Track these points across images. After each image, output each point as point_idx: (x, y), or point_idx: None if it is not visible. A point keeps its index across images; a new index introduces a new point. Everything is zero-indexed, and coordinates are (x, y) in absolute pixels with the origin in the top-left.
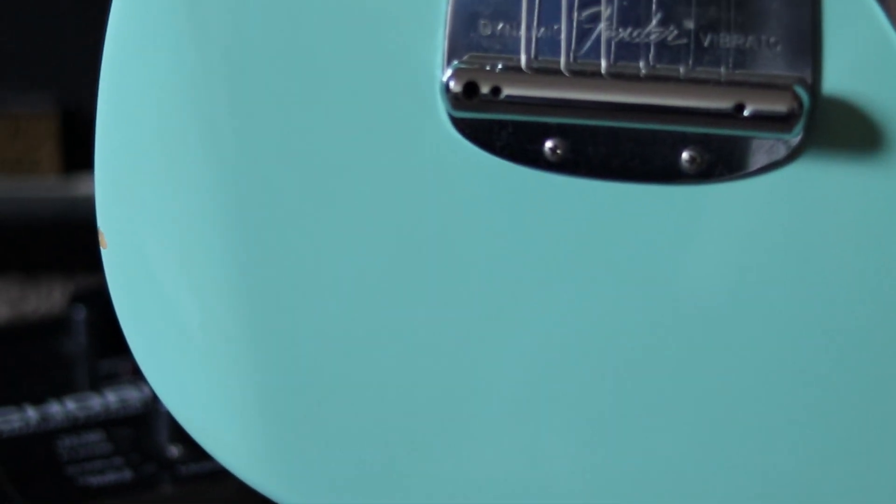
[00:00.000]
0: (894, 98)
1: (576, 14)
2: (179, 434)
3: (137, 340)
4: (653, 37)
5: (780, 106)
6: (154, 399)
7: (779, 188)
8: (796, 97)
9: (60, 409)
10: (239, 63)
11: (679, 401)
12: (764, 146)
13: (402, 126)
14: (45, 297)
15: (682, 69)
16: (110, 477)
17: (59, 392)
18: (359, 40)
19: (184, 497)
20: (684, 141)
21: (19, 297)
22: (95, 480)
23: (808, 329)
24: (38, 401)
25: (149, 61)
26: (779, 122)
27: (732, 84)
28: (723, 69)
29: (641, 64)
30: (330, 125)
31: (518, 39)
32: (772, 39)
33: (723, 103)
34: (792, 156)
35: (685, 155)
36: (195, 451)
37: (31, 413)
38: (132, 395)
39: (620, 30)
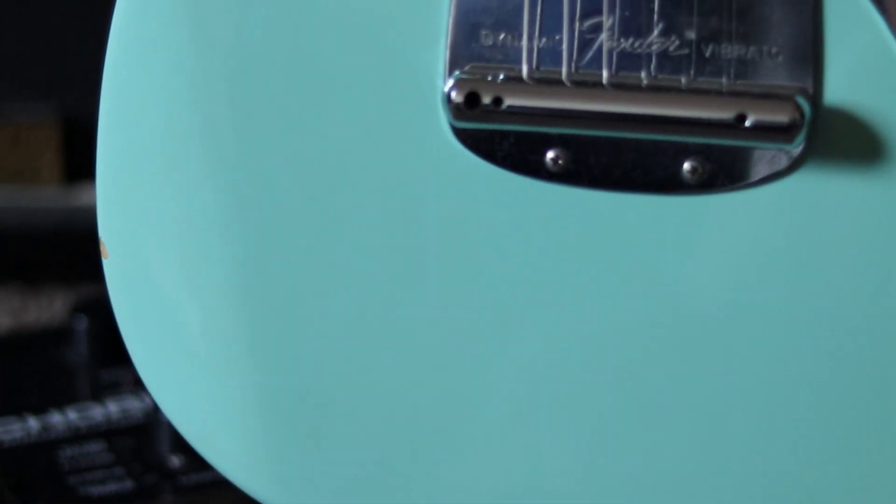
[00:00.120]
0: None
1: (577, 24)
2: (180, 444)
3: (138, 350)
4: (654, 47)
5: (781, 116)
6: (155, 409)
7: (780, 198)
8: (798, 107)
9: (62, 418)
10: (241, 73)
11: (681, 409)
12: (765, 156)
13: (404, 136)
14: (47, 307)
15: (683, 79)
16: (111, 487)
17: (61, 402)
18: (361, 50)
19: None
20: (686, 151)
21: (20, 307)
22: (96, 490)
23: (809, 338)
24: (39, 410)
25: (150, 71)
26: (780, 133)
27: (734, 94)
28: (724, 79)
29: (643, 74)
30: (332, 134)
31: (520, 50)
32: (773, 50)
33: (724, 114)
34: (793, 166)
35: (687, 165)
36: (196, 461)
37: (33, 423)
38: (133, 405)
39: (622, 40)
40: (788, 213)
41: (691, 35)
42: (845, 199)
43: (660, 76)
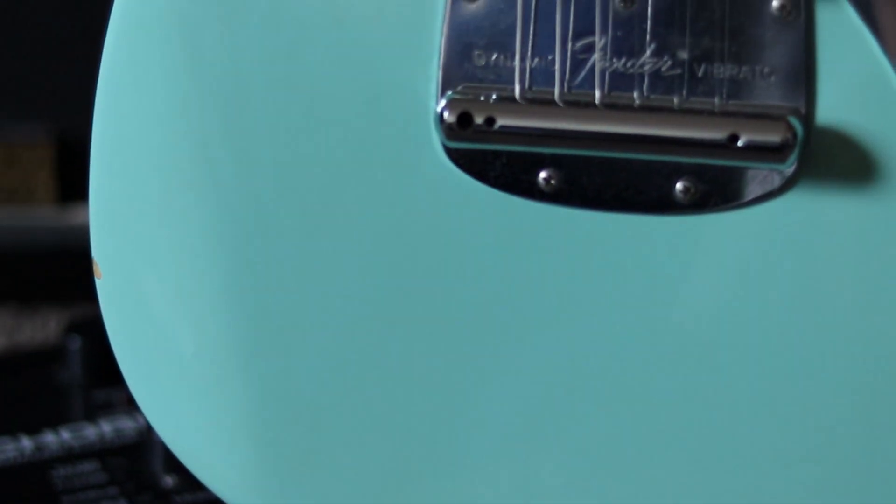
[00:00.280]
0: (888, 128)
1: (570, 45)
2: (174, 464)
3: (131, 370)
4: (647, 67)
5: (773, 136)
6: (149, 429)
7: (773, 218)
8: (790, 128)
9: (55, 438)
10: (234, 94)
11: (675, 428)
12: (758, 176)
13: (397, 156)
14: (41, 327)
15: (676, 100)
16: None
17: (54, 422)
18: (353, 70)
19: None
20: (678, 171)
21: (14, 327)
22: None
23: (803, 357)
24: (32, 430)
25: (143, 91)
26: (773, 153)
27: (726, 114)
28: (717, 100)
29: (635, 94)
30: (324, 155)
31: (512, 70)
32: (766, 70)
33: (717, 134)
34: (786, 186)
35: (679, 185)
36: (190, 480)
37: (26, 443)
38: (127, 424)
39: (614, 60)
40: (781, 233)
41: (684, 55)
42: (838, 218)
43: (652, 96)
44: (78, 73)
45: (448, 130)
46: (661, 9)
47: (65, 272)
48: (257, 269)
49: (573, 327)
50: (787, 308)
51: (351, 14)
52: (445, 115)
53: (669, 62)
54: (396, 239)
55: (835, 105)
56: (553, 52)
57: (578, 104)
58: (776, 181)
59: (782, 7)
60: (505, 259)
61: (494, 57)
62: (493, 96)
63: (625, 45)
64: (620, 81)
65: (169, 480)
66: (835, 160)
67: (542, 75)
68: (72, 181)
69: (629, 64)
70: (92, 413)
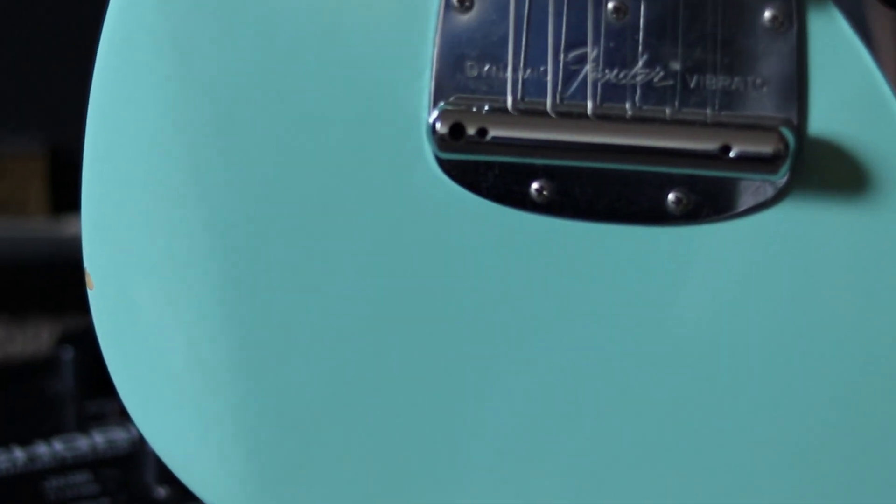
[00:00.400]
0: (880, 139)
1: (562, 56)
2: (166, 475)
3: (124, 381)
4: (639, 78)
5: (765, 147)
6: (141, 440)
7: (765, 229)
8: (782, 138)
9: (48, 449)
10: (226, 105)
11: (670, 440)
12: (750, 187)
13: (389, 167)
14: (33, 338)
15: (668, 110)
16: None
17: (47, 433)
18: (345, 81)
19: None
20: (670, 182)
21: (6, 338)
22: None
23: (797, 368)
24: (25, 442)
25: (135, 102)
26: (765, 164)
27: (718, 125)
28: (709, 110)
29: (628, 105)
30: (316, 166)
31: (504, 81)
32: (758, 81)
33: (709, 145)
34: (778, 197)
35: (671, 196)
36: (182, 491)
37: (19, 454)
38: (119, 435)
39: (607, 71)
40: (773, 244)
41: (676, 66)
42: (830, 229)
43: (644, 107)
44: (71, 84)
45: (440, 141)
46: (653, 20)
47: (57, 283)
48: (249, 280)
49: (566, 339)
50: (781, 319)
51: (343, 25)
52: (437, 126)
53: (662, 73)
54: (389, 250)
55: (827, 116)
56: (545, 63)
57: (571, 115)
58: (768, 192)
59: (774, 18)
60: (498, 270)
61: (487, 68)
62: (486, 107)
63: (617, 56)
64: (613, 92)
65: (161, 491)
66: (827, 171)
67: (534, 86)
68: (64, 192)
69: (621, 75)
70: (84, 424)
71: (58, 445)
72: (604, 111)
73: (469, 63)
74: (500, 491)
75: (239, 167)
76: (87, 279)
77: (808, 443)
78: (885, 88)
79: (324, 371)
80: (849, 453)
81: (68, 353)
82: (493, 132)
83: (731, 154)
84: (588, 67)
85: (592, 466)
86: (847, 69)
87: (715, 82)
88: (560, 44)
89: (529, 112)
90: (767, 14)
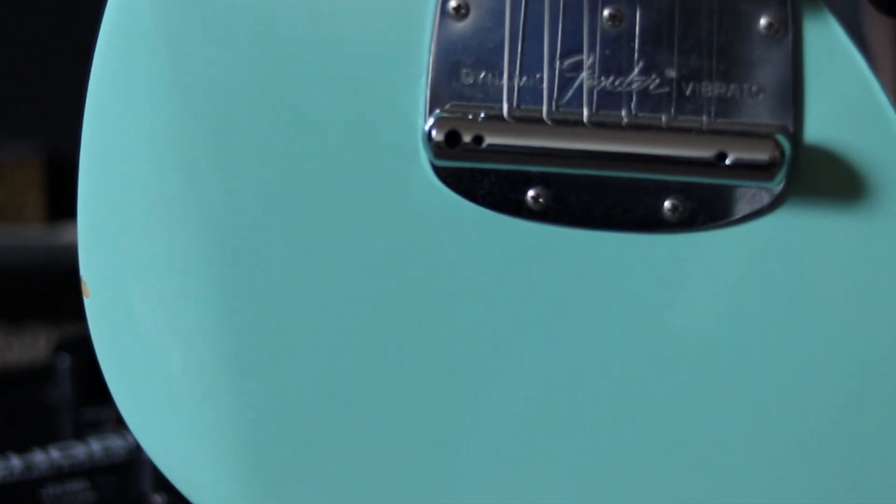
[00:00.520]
0: (876, 145)
1: (558, 63)
2: (163, 483)
3: (120, 389)
4: (635, 85)
5: (761, 154)
6: (138, 447)
7: (762, 236)
8: (778, 146)
9: (44, 457)
10: (222, 112)
11: (667, 446)
12: (746, 194)
13: (385, 174)
14: (30, 346)
15: (664, 118)
16: None
17: (44, 440)
18: (341, 88)
19: None
20: (666, 190)
21: (3, 346)
22: None
23: (794, 377)
24: (22, 449)
25: (131, 109)
26: (761, 171)
27: (714, 133)
28: (705, 118)
29: (623, 113)
30: (312, 173)
31: (500, 88)
32: (753, 88)
33: (705, 152)
34: (774, 204)
35: (667, 204)
36: (179, 499)
37: (15, 461)
38: (116, 443)
39: (602, 78)
40: (770, 251)
41: (672, 73)
42: (826, 236)
43: (640, 114)
44: (68, 91)
45: (436, 149)
46: (648, 27)
47: (55, 290)
48: (245, 286)
49: (562, 346)
50: (777, 326)
51: (338, 32)
52: (433, 133)
53: (657, 80)
54: (385, 257)
55: (823, 123)
56: (541, 70)
57: (566, 122)
58: (765, 199)
59: (770, 25)
60: (493, 278)
61: (482, 75)
62: (482, 114)
63: (613, 64)
64: (608, 100)
65: (158, 499)
66: (823, 178)
67: (530, 93)
68: (61, 199)
69: (617, 82)
70: (81, 432)
71: (54, 453)
72: (600, 118)
73: (465, 70)
74: (497, 493)
75: (235, 173)
76: (83, 287)
77: (806, 448)
78: (881, 95)
79: (321, 379)
80: (846, 458)
81: (65, 361)
82: (489, 139)
83: (727, 161)
84: (584, 75)
85: (590, 470)
86: (843, 76)
87: (711, 89)
88: (556, 51)
89: (525, 119)
90: (763, 21)
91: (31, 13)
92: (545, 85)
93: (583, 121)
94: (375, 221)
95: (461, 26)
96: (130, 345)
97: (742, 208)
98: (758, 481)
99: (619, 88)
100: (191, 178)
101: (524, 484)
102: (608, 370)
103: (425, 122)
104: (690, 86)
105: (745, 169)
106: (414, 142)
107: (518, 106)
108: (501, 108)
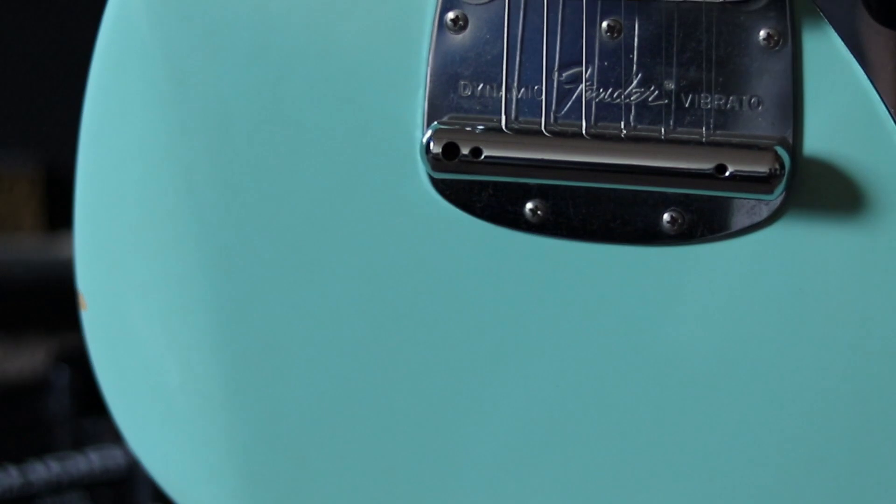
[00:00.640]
0: (876, 158)
1: (556, 75)
2: (161, 495)
3: (117, 403)
4: (633, 97)
5: (761, 167)
6: (136, 460)
7: (761, 249)
8: (777, 158)
9: (43, 469)
10: (218, 126)
11: (664, 459)
12: (745, 207)
13: (383, 187)
14: (29, 358)
15: (662, 130)
16: None
17: (42, 453)
18: (339, 101)
19: None
20: (665, 202)
21: (2, 358)
22: None
23: (794, 388)
24: (19, 461)
25: (127, 123)
26: (760, 183)
27: (713, 145)
28: (704, 130)
29: (622, 125)
30: (310, 186)
31: (498, 100)
32: (753, 100)
33: (704, 164)
34: (774, 216)
35: (666, 216)
36: None
37: (14, 473)
38: (114, 455)
39: (601, 90)
40: (769, 264)
41: (670, 85)
42: (826, 249)
43: (639, 126)
44: (66, 103)
45: (434, 161)
46: (647, 39)
47: (54, 302)
48: (242, 300)
49: (560, 359)
50: (776, 339)
51: (336, 44)
52: (431, 145)
53: (656, 92)
54: (382, 270)
55: (822, 135)
56: (539, 82)
57: (565, 135)
58: (764, 211)
59: (769, 37)
60: (492, 290)
61: (480, 87)
62: (480, 127)
63: (611, 76)
64: (607, 112)
65: None
66: (822, 190)
67: (528, 106)
68: (60, 212)
69: (616, 94)
70: (80, 444)
71: (53, 465)
72: (598, 130)
73: (463, 82)
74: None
75: (232, 188)
76: (80, 300)
77: (806, 463)
78: (881, 107)
79: (318, 392)
80: (846, 471)
81: (64, 373)
82: (487, 152)
83: (726, 173)
84: (582, 86)
85: (590, 483)
86: (842, 88)
87: (709, 101)
88: (554, 63)
89: (523, 132)
90: (762, 33)
91: (28, 27)
92: (543, 97)
93: (581, 133)
94: (373, 234)
95: (459, 38)
96: (127, 358)
97: (741, 221)
98: (756, 494)
99: (618, 100)
100: (187, 192)
101: (525, 500)
102: (607, 383)
103: (423, 134)
104: (689, 98)
105: (745, 181)
106: (412, 154)
107: (516, 118)
108: (499, 121)
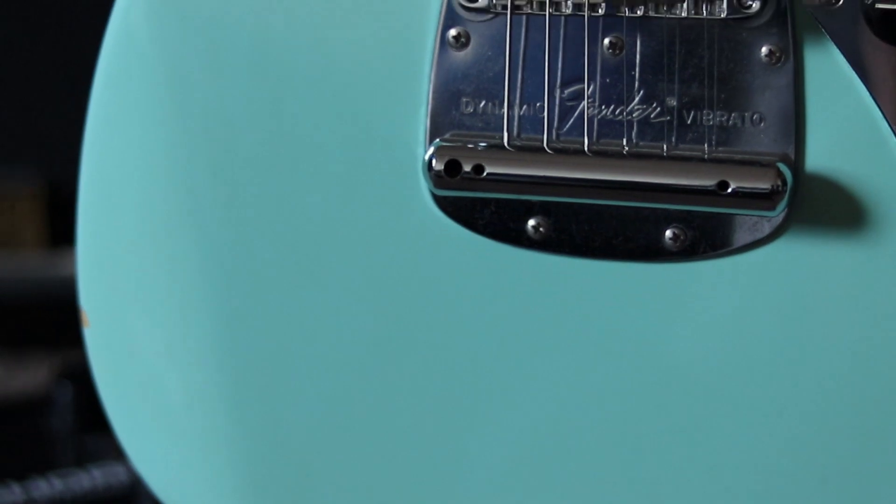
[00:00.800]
0: (878, 174)
1: (558, 92)
2: None
3: (119, 419)
4: (635, 114)
5: (763, 183)
6: (139, 476)
7: (763, 265)
8: (779, 174)
9: (45, 486)
10: (221, 142)
11: (666, 475)
12: (747, 223)
13: (385, 204)
14: (32, 375)
15: (665, 146)
16: None
17: (45, 469)
18: (341, 117)
19: None
20: (667, 218)
21: (5, 375)
22: None
23: (797, 403)
24: (23, 478)
25: (129, 139)
26: (762, 200)
27: (715, 161)
28: (706, 146)
29: (624, 141)
30: (312, 202)
31: (500, 117)
32: (755, 116)
33: (706, 181)
34: (776, 233)
35: (668, 233)
36: None
37: (16, 490)
38: (117, 472)
39: (603, 107)
40: (771, 280)
41: (672, 102)
42: (828, 265)
43: (641, 143)
44: (68, 120)
45: (436, 178)
46: (649, 56)
47: (57, 319)
48: (245, 317)
49: (563, 376)
50: (778, 355)
51: (338, 61)
52: (433, 162)
53: (658, 109)
54: (385, 286)
55: (824, 151)
56: (541, 99)
57: (567, 151)
58: (766, 228)
59: (771, 53)
60: (494, 307)
61: (482, 104)
62: (482, 144)
63: (613, 92)
64: (609, 128)
65: None
66: (824, 206)
67: (530, 122)
68: (62, 229)
69: (618, 111)
70: (82, 460)
71: (55, 482)
72: (600, 147)
73: (465, 99)
74: None
75: (234, 204)
76: (82, 317)
77: (809, 478)
78: (883, 123)
79: (321, 406)
80: (847, 483)
81: (67, 390)
82: (490, 169)
83: (729, 190)
84: (584, 103)
85: (593, 497)
86: (844, 104)
87: (712, 118)
88: (556, 80)
89: (526, 149)
90: (764, 49)
91: (30, 43)
92: (545, 114)
93: (583, 150)
94: (375, 251)
95: (461, 56)
96: (130, 375)
97: (743, 237)
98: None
99: (620, 117)
100: (190, 209)
101: None
102: (611, 399)
103: (425, 151)
104: (691, 114)
105: (747, 198)
106: (414, 171)
107: (518, 135)
108: (502, 138)
